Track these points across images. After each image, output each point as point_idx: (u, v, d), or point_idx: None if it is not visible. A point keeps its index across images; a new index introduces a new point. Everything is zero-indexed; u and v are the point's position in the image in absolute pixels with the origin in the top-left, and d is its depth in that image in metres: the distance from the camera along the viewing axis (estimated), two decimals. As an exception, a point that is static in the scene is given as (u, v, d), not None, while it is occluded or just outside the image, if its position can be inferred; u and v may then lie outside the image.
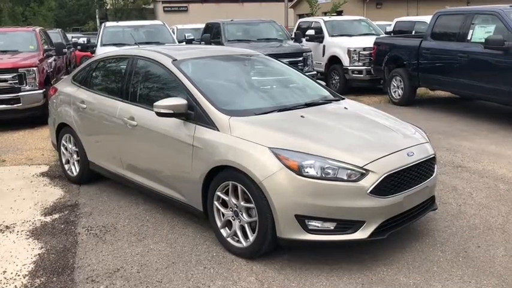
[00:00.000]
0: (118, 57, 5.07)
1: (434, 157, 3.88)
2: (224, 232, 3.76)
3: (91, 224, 4.35)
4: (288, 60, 10.40)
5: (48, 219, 4.53)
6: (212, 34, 12.18)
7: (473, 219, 4.35)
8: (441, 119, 8.75)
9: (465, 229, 4.14)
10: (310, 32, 12.83)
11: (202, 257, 3.70)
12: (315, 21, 13.51)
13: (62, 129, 5.52)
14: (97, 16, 43.80)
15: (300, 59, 10.68)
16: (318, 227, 3.34)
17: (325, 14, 21.20)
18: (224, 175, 3.64)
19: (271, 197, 3.33)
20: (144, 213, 4.55)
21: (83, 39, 10.82)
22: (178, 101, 3.89)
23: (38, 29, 11.17)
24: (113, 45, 10.42)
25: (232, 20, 12.45)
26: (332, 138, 3.63)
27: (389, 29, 14.11)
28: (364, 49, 11.55)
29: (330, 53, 12.38)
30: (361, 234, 3.35)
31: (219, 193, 3.71)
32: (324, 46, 12.64)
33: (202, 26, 13.95)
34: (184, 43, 11.44)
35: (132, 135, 4.44)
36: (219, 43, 11.51)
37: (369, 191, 3.29)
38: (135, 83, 4.60)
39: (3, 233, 4.24)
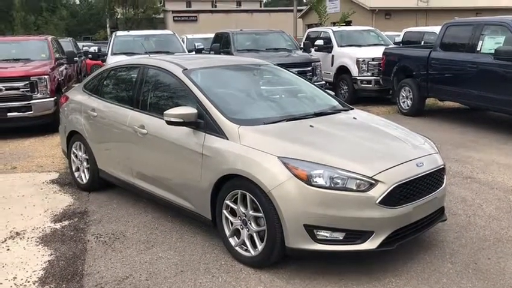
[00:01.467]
0: (129, 66, 5.13)
1: (443, 168, 3.87)
2: (233, 241, 3.77)
3: (100, 232, 4.38)
4: (296, 70, 10.44)
5: (58, 226, 4.56)
6: (222, 44, 12.26)
7: (483, 230, 4.32)
8: (450, 129, 8.72)
9: (475, 240, 4.11)
10: (319, 42, 12.87)
11: (210, 265, 3.70)
12: (324, 31, 13.56)
13: (73, 136, 5.58)
14: (108, 25, 44.25)
15: (309, 68, 10.71)
16: (326, 237, 3.34)
17: (334, 24, 21.27)
18: (233, 184, 3.65)
19: (279, 206, 3.34)
20: (153, 221, 4.57)
21: (93, 48, 10.94)
22: (188, 110, 3.93)
23: (50, 37, 11.32)
24: (124, 54, 10.54)
25: (241, 30, 12.53)
26: (341, 148, 3.63)
27: (398, 39, 14.11)
28: (373, 59, 11.57)
29: (338, 63, 12.40)
30: (370, 244, 3.35)
31: (227, 202, 3.72)
32: (332, 56, 12.67)
33: (212, 35, 14.05)
34: (193, 52, 11.53)
35: (142, 143, 4.47)
36: (229, 53, 11.58)
37: (378, 201, 3.29)
38: (146, 91, 4.64)
39: (13, 239, 4.28)
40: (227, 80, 4.65)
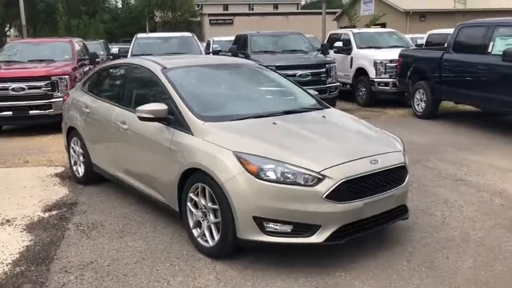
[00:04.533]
0: (119, 65, 5.41)
1: (403, 166, 3.90)
2: (195, 232, 3.93)
3: (82, 221, 4.64)
4: (310, 71, 10.58)
5: (46, 215, 4.86)
6: (240, 45, 12.47)
7: (453, 231, 4.30)
8: (461, 133, 8.56)
9: (441, 240, 4.11)
10: (338, 43, 12.88)
11: (172, 254, 3.88)
12: (344, 33, 13.54)
13: (71, 132, 5.89)
14: (147, 28, 45.45)
15: (323, 70, 10.74)
16: (275, 229, 3.45)
17: (367, 26, 21.13)
18: (195, 177, 3.82)
19: (231, 199, 3.48)
20: (133, 213, 4.80)
21: (115, 50, 11.37)
22: (159, 106, 4.13)
23: (75, 40, 11.87)
24: (143, 55, 10.89)
25: (258, 32, 12.70)
26: (296, 144, 3.74)
27: (421, 41, 13.89)
28: (391, 61, 11.48)
29: (357, 64, 12.36)
30: (317, 238, 3.44)
31: (191, 195, 3.89)
32: (351, 58, 12.64)
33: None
34: (211, 54, 11.78)
35: (124, 138, 4.71)
36: (245, 54, 11.76)
37: (324, 196, 3.38)
38: (129, 89, 4.90)
39: (2, 225, 4.59)
40: (204, 78, 4.83)
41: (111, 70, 5.54)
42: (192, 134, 3.92)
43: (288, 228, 3.45)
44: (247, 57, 11.64)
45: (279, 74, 5.37)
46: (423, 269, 3.62)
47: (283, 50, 11.85)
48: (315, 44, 13.75)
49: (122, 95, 4.94)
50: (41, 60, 10.48)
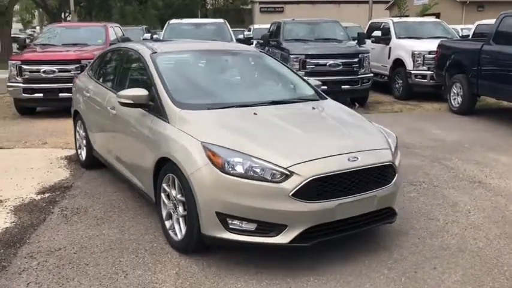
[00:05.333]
0: (116, 49, 5.32)
1: (390, 165, 3.55)
2: (167, 224, 3.78)
3: (68, 205, 4.60)
4: (341, 61, 10.17)
5: (38, 197, 4.86)
6: (273, 33, 12.19)
7: (451, 239, 3.92)
8: (495, 132, 7.93)
9: (434, 248, 3.75)
10: (377, 33, 12.32)
11: (142, 246, 3.75)
12: (385, 22, 12.93)
13: (76, 116, 5.89)
14: (199, 15, 45.79)
15: (355, 60, 10.28)
16: (239, 226, 3.24)
17: (418, 16, 20.18)
18: (167, 167, 3.66)
19: (195, 192, 3.30)
20: (121, 200, 4.71)
21: (146, 35, 11.40)
22: (139, 92, 3.99)
23: (110, 24, 12.00)
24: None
25: (293, 20, 12.34)
26: (270, 137, 3.49)
27: (467, 32, 13.05)
28: (430, 52, 10.85)
29: (395, 55, 11.79)
30: (283, 238, 3.19)
31: (164, 185, 3.74)
32: (390, 48, 12.06)
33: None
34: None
35: (113, 123, 4.63)
36: (277, 42, 11.49)
37: (291, 194, 3.12)
38: (122, 73, 4.80)
39: (-9, 207, 4.63)
40: (195, 64, 4.65)
41: (109, 54, 5.46)
42: (168, 122, 3.75)
43: (252, 227, 3.22)
44: (278, 45, 11.38)
45: (281, 62, 5.08)
46: (402, 279, 3.30)
47: (317, 38, 11.45)
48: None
49: (115, 80, 4.86)
50: (74, 44, 10.66)
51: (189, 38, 10.94)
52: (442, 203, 4.70)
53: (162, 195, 3.78)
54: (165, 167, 3.68)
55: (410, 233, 4.02)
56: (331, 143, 3.51)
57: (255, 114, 3.79)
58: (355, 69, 10.28)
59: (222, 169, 3.21)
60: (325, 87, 10.04)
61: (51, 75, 9.51)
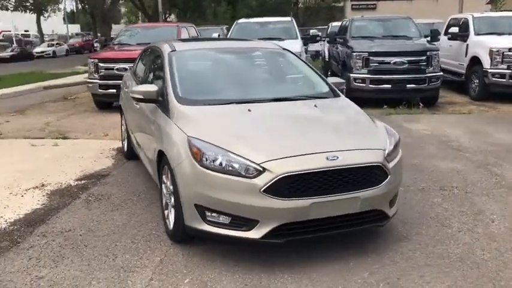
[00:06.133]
0: (149, 48, 5.65)
1: (378, 166, 3.40)
2: (166, 213, 3.96)
3: (95, 192, 4.97)
4: (407, 59, 9.78)
5: (74, 183, 5.30)
6: (342, 30, 11.99)
7: (456, 248, 3.67)
8: None
9: (431, 256, 3.54)
10: (454, 29, 11.61)
11: (141, 233, 3.97)
12: (464, 18, 12.13)
13: (121, 110, 6.32)
14: (291, 14, 46.11)
15: (423, 58, 9.81)
16: (216, 219, 3.32)
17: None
18: (164, 159, 3.83)
19: (178, 184, 3.44)
20: (143, 190, 4.99)
21: (214, 35, 11.77)
22: (149, 88, 4.22)
23: (184, 24, 12.59)
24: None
25: (362, 16, 12.03)
26: (254, 133, 3.53)
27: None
28: (510, 50, 10.01)
29: (472, 53, 11.03)
30: (255, 233, 3.22)
31: (164, 176, 3.92)
32: (467, 45, 11.31)
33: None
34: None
35: (138, 116, 4.93)
36: (344, 39, 11.30)
37: (262, 190, 3.14)
38: (148, 70, 5.11)
39: (35, 189, 5.12)
40: (209, 62, 4.79)
41: (144, 52, 5.80)
42: (169, 117, 3.93)
43: (226, 220, 3.29)
44: (345, 42, 11.19)
45: (303, 60, 5.02)
46: (381, 285, 3.16)
47: (385, 35, 11.09)
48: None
49: (143, 76, 5.16)
50: (147, 43, 11.30)
51: (255, 36, 11.12)
52: (465, 210, 4.40)
53: (163, 185, 3.97)
54: (163, 160, 3.86)
55: (414, 239, 3.82)
56: (314, 141, 3.46)
57: (249, 110, 3.84)
58: (422, 67, 9.83)
59: (200, 162, 3.31)
60: (389, 86, 9.86)
61: (123, 73, 10.20)
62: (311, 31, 12.18)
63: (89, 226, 4.12)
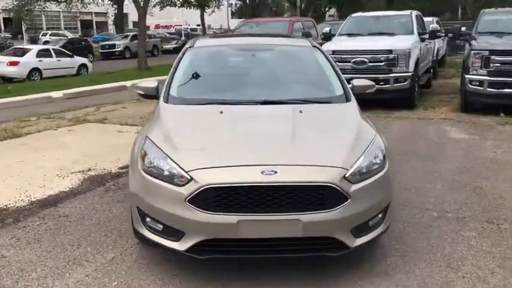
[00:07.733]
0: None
1: (329, 187, 2.86)
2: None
3: (121, 181, 5.14)
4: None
5: (115, 171, 5.57)
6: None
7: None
8: None
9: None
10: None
11: (122, 227, 3.99)
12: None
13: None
14: (459, 8, 42.44)
15: None
16: (153, 225, 3.17)
17: None
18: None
19: (129, 184, 3.38)
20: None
21: (326, 29, 11.29)
22: (149, 84, 4.23)
23: (297, 19, 12.47)
24: (347, 35, 10.58)
25: (496, 9, 10.38)
26: (205, 138, 3.33)
27: None
28: None
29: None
30: (181, 245, 2.99)
31: None
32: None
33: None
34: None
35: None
36: (470, 35, 9.93)
37: (186, 200, 2.89)
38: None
39: (78, 174, 5.48)
40: (219, 60, 4.63)
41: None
42: (158, 114, 3.87)
43: (159, 228, 3.12)
44: (470, 38, 9.82)
45: (329, 60, 4.47)
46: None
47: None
48: None
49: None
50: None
51: (366, 30, 10.48)
52: (499, 250, 3.52)
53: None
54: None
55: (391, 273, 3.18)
56: (257, 152, 3.07)
57: (221, 112, 3.60)
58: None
59: (142, 165, 3.20)
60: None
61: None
62: (431, 26, 10.92)
63: (85, 214, 4.30)
